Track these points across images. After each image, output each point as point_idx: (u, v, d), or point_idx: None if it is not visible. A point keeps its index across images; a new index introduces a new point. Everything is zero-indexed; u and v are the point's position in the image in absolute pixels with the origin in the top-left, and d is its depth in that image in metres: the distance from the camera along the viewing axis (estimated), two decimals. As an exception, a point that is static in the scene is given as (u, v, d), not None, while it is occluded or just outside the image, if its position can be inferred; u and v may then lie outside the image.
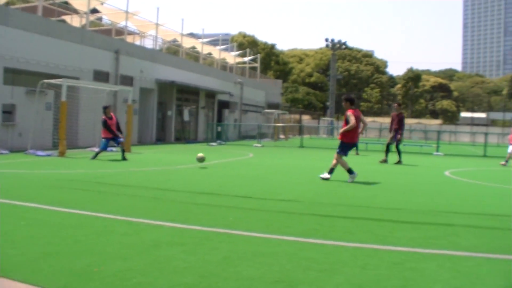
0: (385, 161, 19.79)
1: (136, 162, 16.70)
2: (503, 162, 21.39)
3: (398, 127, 19.40)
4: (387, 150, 20.03)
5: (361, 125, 13.04)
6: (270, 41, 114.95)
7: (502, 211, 8.90)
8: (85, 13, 28.95)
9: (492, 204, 9.86)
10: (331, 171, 12.74)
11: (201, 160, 15.25)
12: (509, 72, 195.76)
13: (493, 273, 4.97)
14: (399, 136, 19.46)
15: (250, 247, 5.56)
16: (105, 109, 17.62)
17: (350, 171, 12.62)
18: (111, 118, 17.52)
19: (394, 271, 4.86)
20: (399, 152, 19.73)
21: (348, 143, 12.82)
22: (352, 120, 12.46)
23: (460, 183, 13.62)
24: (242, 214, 7.57)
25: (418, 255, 5.51)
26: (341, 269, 4.83)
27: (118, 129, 17.70)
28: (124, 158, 16.99)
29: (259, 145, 32.14)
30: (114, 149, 21.11)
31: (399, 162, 19.46)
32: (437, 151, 29.44)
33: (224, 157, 20.36)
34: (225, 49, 52.96)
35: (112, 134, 17.29)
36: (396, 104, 21.02)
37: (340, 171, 13.14)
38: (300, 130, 40.05)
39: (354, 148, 24.41)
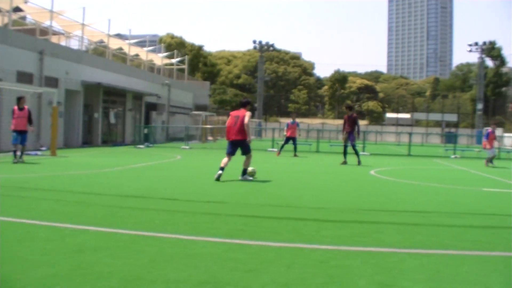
0: (345, 162, 19.99)
1: (61, 166, 16.33)
2: (487, 163, 21.63)
3: (351, 128, 19.72)
4: (345, 152, 20.23)
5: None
6: (198, 42, 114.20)
7: (424, 207, 9.18)
8: (8, 11, 28.03)
9: (415, 201, 10.15)
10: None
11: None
12: (432, 74, 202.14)
13: (416, 267, 5.12)
14: (354, 136, 19.81)
15: (177, 249, 5.54)
16: (19, 100, 17.07)
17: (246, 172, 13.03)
18: (22, 109, 16.98)
19: (319, 269, 4.93)
20: (356, 153, 20.17)
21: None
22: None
23: (385, 182, 13.96)
24: (169, 217, 7.52)
25: (343, 252, 5.62)
26: (267, 269, 4.87)
27: (30, 122, 17.18)
28: (19, 160, 16.56)
29: (187, 147, 31.97)
30: (39, 152, 20.55)
31: (344, 163, 19.77)
32: (363, 151, 30.02)
33: (151, 159, 20.14)
34: (153, 51, 52.39)
35: (19, 128, 16.74)
36: (346, 107, 21.29)
37: (274, 172, 13.24)
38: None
39: (292, 149, 24.71)
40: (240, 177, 12.96)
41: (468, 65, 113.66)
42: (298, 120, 27.15)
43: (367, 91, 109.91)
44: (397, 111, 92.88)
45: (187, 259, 5.10)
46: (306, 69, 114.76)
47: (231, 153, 13.15)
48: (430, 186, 13.05)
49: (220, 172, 12.60)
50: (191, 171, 15.74)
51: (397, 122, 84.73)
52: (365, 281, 4.59)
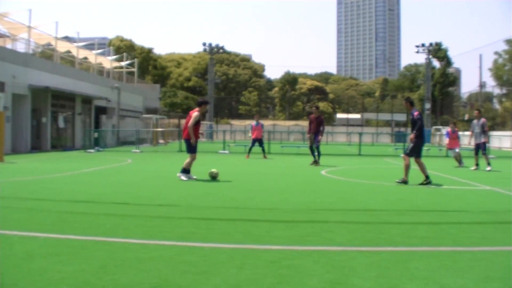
0: (315, 162, 20.05)
1: (9, 172, 15.98)
2: (459, 165, 21.52)
3: (317, 129, 19.85)
4: (312, 152, 20.28)
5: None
6: (147, 45, 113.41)
7: (374, 206, 9.34)
8: None
9: (366, 200, 10.30)
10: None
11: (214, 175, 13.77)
12: (381, 75, 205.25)
13: (366, 265, 5.20)
14: (319, 137, 19.92)
15: (128, 253, 5.49)
16: None
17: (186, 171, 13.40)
18: None
19: (270, 269, 4.97)
20: (319, 153, 20.21)
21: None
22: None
23: (335, 182, 14.11)
24: (119, 221, 7.45)
25: (294, 252, 5.66)
26: (218, 271, 4.88)
27: None
28: None
29: (137, 150, 31.65)
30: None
31: (315, 162, 19.92)
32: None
33: (102, 164, 19.90)
34: (102, 53, 51.79)
35: None
36: (314, 107, 21.47)
37: (226, 174, 13.23)
38: (179, 135, 39.85)
39: (261, 151, 24.71)
40: (177, 173, 13.41)
41: (416, 65, 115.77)
42: (248, 122, 27.16)
43: (318, 92, 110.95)
44: (348, 112, 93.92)
45: (139, 263, 5.07)
46: (257, 71, 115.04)
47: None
48: (380, 185, 13.27)
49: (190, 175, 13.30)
50: (142, 175, 15.60)
51: (348, 123, 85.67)
52: (316, 280, 4.64)
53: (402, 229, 7.15)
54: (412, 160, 13.31)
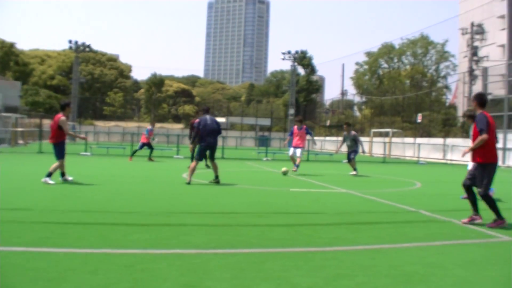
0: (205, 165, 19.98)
1: None
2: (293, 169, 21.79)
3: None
4: (192, 156, 20.05)
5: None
6: (9, 39, 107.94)
7: (233, 208, 9.48)
8: None
9: (225, 202, 10.41)
10: None
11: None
12: (247, 80, 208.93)
13: (221, 266, 5.25)
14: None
15: (-29, 260, 5.18)
16: None
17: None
18: None
19: (124, 273, 4.88)
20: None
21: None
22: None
23: (196, 185, 14.07)
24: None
25: (149, 256, 5.60)
26: (71, 276, 4.72)
27: None
28: None
29: (-6, 152, 30.05)
30: None
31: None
32: (178, 154, 30.22)
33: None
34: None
35: None
36: (200, 111, 21.25)
37: (88, 177, 12.85)
38: (40, 135, 38.26)
39: (148, 154, 24.34)
40: (43, 179, 12.73)
41: (282, 72, 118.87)
42: (113, 123, 26.79)
43: (184, 95, 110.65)
44: (213, 115, 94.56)
45: (-18, 271, 4.80)
46: (123, 72, 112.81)
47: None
48: (241, 188, 13.47)
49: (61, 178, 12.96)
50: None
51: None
52: (170, 283, 4.62)
53: (259, 231, 7.28)
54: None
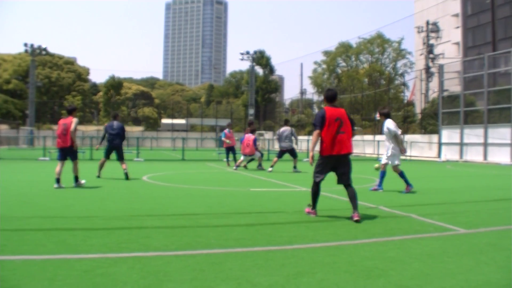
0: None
1: None
2: (234, 167, 22.13)
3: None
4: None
5: None
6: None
7: (193, 210, 9.48)
8: None
9: (185, 204, 10.41)
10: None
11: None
12: (207, 81, 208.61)
13: (181, 268, 5.24)
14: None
15: None
16: None
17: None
18: None
19: (84, 278, 4.83)
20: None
21: None
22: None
23: (156, 187, 14.04)
24: None
25: (109, 260, 5.55)
26: (28, 284, 4.66)
27: None
28: None
29: None
30: None
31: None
32: (138, 157, 30.03)
33: None
34: None
35: None
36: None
37: (44, 183, 12.66)
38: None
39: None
40: (73, 184, 13.47)
41: (241, 72, 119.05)
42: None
43: (143, 97, 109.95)
44: (173, 117, 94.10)
45: None
46: (81, 75, 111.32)
47: (61, 159, 13.75)
48: (201, 189, 13.45)
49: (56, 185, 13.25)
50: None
51: (173, 128, 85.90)
52: (130, 286, 4.60)
53: (219, 231, 7.29)
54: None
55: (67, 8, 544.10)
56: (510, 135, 32.54)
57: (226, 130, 24.09)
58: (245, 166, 22.48)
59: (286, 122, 21.78)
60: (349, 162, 8.84)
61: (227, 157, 24.55)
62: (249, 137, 22.00)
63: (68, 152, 13.76)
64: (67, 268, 5.21)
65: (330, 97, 8.90)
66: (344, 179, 8.77)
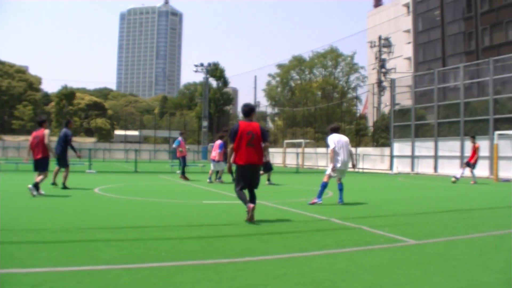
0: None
1: None
2: (217, 179, 21.91)
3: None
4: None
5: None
6: None
7: (145, 222, 9.39)
8: None
9: (137, 217, 10.31)
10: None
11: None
12: (161, 92, 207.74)
13: (132, 281, 5.17)
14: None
15: None
16: None
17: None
18: None
19: (30, 293, 4.75)
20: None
21: None
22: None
23: (108, 199, 13.86)
24: None
25: (58, 274, 5.46)
26: (-28, 298, 4.56)
27: None
28: None
29: None
30: None
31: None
32: (90, 168, 29.63)
33: None
34: None
35: None
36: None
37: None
38: None
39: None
40: (29, 186, 13.71)
41: (195, 84, 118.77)
42: (22, 138, 25.86)
43: (96, 108, 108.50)
44: (126, 128, 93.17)
45: None
46: (33, 84, 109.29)
47: (35, 170, 14.31)
48: (153, 201, 13.36)
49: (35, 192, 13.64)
50: None
51: (126, 139, 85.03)
52: (79, 301, 4.54)
53: (171, 244, 7.25)
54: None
55: (19, 15, 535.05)
56: (460, 148, 33.35)
57: (180, 138, 23.86)
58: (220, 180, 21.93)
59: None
60: (258, 173, 9.88)
61: (183, 168, 24.17)
62: (217, 142, 22.04)
63: (38, 164, 14.13)
64: (14, 283, 5.10)
65: (246, 112, 9.86)
66: (253, 185, 9.85)
